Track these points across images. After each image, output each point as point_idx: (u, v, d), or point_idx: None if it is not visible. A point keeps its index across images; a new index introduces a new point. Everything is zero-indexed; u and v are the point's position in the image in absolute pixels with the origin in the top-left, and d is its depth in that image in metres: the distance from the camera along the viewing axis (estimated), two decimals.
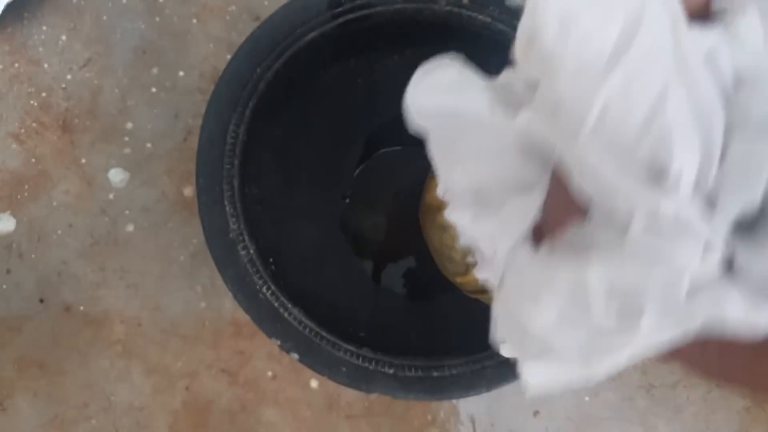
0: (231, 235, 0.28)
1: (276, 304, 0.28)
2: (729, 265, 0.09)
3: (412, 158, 0.41)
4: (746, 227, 0.09)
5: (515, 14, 0.30)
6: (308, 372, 0.39)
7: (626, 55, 0.09)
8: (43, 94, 0.40)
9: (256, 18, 0.41)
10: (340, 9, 0.29)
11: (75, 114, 0.40)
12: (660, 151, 0.09)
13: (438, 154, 0.14)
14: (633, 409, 0.40)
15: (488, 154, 0.13)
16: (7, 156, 0.39)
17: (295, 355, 0.27)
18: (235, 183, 0.29)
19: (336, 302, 0.34)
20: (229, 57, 0.41)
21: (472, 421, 0.39)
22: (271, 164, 0.34)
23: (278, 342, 0.27)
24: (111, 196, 0.40)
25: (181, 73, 0.40)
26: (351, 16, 0.29)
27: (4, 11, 0.38)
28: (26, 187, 0.39)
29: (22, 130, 0.40)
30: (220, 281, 0.39)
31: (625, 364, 0.11)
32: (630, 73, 0.09)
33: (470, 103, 0.13)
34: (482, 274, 0.21)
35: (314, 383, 0.39)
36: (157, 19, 0.41)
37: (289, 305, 0.28)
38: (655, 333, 0.10)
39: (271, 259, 0.30)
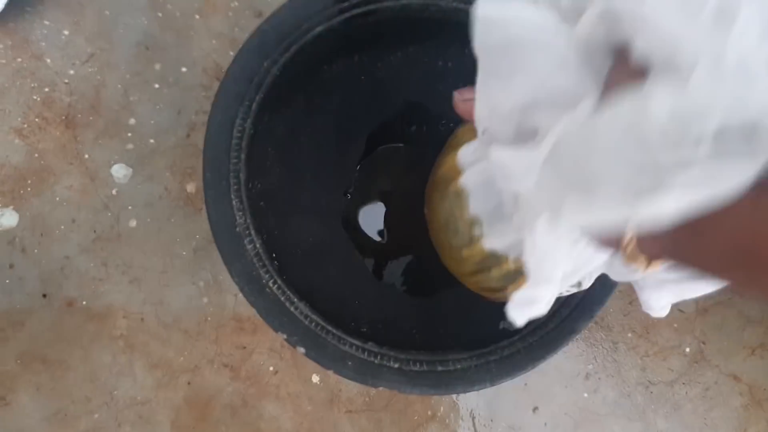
0: (237, 229, 0.28)
1: (282, 298, 0.28)
2: None
3: (414, 155, 0.41)
4: None
5: None
6: (310, 367, 0.39)
7: None
8: (46, 89, 0.40)
9: (259, 14, 0.41)
10: (346, 3, 0.29)
11: (78, 109, 0.40)
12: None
13: (490, 74, 0.14)
14: (632, 406, 0.40)
15: (546, 65, 0.13)
16: (10, 151, 0.39)
17: (302, 349, 0.27)
18: (242, 177, 0.29)
19: (338, 297, 0.34)
20: (231, 53, 0.41)
21: (472, 417, 0.40)
22: (274, 159, 0.34)
23: (284, 336, 0.27)
24: (114, 191, 0.40)
25: (184, 69, 0.40)
26: (357, 11, 0.29)
27: (6, 6, 0.38)
28: (29, 182, 0.39)
29: (25, 125, 0.40)
30: (222, 276, 0.40)
31: (662, 216, 0.11)
32: None
33: (535, 15, 0.13)
34: (490, 244, 0.21)
35: (315, 378, 0.39)
36: (160, 14, 0.40)
37: (295, 299, 0.28)
38: (700, 182, 0.10)
39: (273, 254, 0.30)
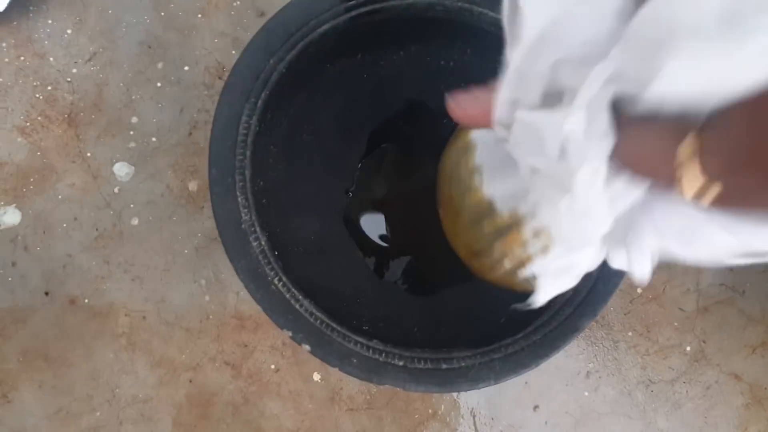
0: (243, 226, 0.28)
1: (287, 296, 0.28)
2: None
3: (415, 153, 0.41)
4: None
5: None
6: (311, 365, 0.39)
7: None
8: (49, 88, 0.40)
9: (261, 13, 0.41)
10: (353, 2, 0.29)
11: (80, 108, 0.40)
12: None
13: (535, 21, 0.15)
14: (632, 404, 0.40)
15: (585, 17, 0.14)
16: (12, 149, 0.40)
17: (307, 347, 0.27)
18: (247, 174, 0.29)
19: (339, 296, 0.35)
20: (234, 52, 0.41)
21: (473, 415, 0.40)
22: (276, 157, 0.34)
23: (290, 333, 0.27)
24: (116, 189, 0.40)
25: (186, 68, 0.41)
26: (363, 9, 0.29)
27: (9, 4, 0.38)
28: (32, 180, 0.40)
29: (28, 124, 0.40)
30: (224, 274, 0.40)
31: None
32: None
33: None
34: (489, 190, 0.21)
35: (317, 376, 0.39)
36: (163, 13, 0.41)
37: (300, 296, 0.28)
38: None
39: (276, 252, 0.30)
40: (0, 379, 0.39)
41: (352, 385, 0.39)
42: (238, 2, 0.41)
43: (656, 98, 0.13)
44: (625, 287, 0.40)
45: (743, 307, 0.41)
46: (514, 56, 0.15)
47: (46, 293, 0.39)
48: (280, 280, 0.28)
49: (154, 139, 0.40)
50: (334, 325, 0.28)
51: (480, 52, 0.34)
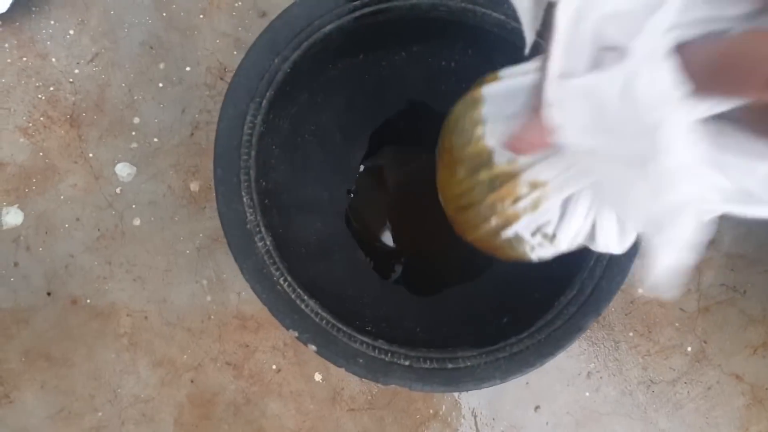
0: (248, 227, 0.28)
1: (293, 296, 0.28)
2: None
3: (416, 154, 0.41)
4: None
5: None
6: (312, 365, 0.39)
7: None
8: (51, 88, 0.40)
9: (263, 14, 0.41)
10: (357, 2, 0.29)
11: (82, 108, 0.40)
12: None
13: None
14: (633, 405, 0.40)
15: None
16: (15, 150, 0.40)
17: (313, 347, 0.27)
18: (252, 174, 0.29)
19: (341, 296, 0.35)
20: (235, 52, 0.41)
21: (474, 415, 0.40)
22: (278, 157, 0.34)
23: (296, 334, 0.27)
24: (118, 190, 0.40)
25: (188, 68, 0.41)
26: (368, 9, 0.30)
27: (12, 5, 0.38)
28: (34, 180, 0.40)
29: (30, 124, 0.40)
30: (225, 275, 0.40)
31: None
32: None
33: None
34: (492, 140, 0.21)
35: (318, 376, 0.39)
36: (164, 14, 0.41)
37: (305, 297, 0.28)
38: None
39: (280, 253, 0.30)
40: (2, 379, 0.39)
41: (353, 386, 0.39)
42: (240, 3, 0.41)
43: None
44: (625, 288, 0.40)
45: (744, 307, 0.41)
46: (559, 20, 0.15)
47: (48, 293, 0.39)
48: (285, 280, 0.28)
49: (155, 139, 0.40)
50: (340, 326, 0.28)
51: (481, 52, 0.34)
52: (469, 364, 0.28)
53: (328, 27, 0.30)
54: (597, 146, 0.16)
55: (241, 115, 0.29)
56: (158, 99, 0.40)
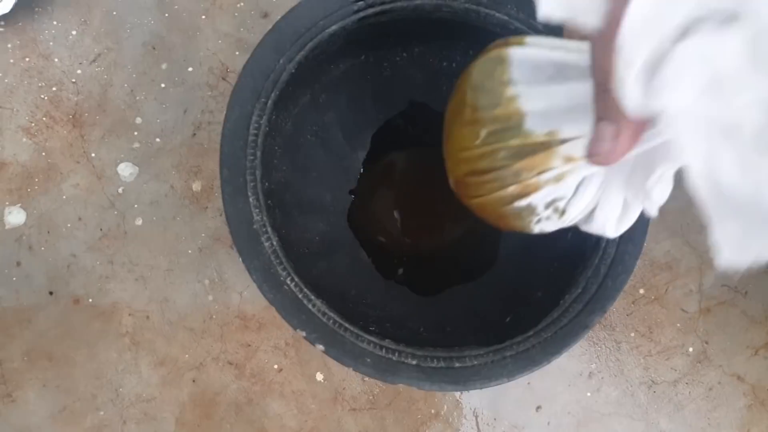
0: (255, 227, 0.28)
1: (300, 296, 0.28)
2: None
3: (417, 154, 0.41)
4: None
5: (531, 13, 0.30)
6: (314, 365, 0.39)
7: None
8: (54, 89, 0.40)
9: (265, 15, 0.41)
10: (362, 2, 0.30)
11: (85, 108, 0.40)
12: None
13: None
14: (635, 405, 0.40)
15: None
16: (17, 149, 0.40)
17: (321, 347, 0.27)
18: (258, 174, 0.29)
19: (345, 296, 0.35)
20: (237, 53, 0.41)
21: (475, 415, 0.40)
22: (281, 158, 0.34)
23: (304, 333, 0.28)
24: (120, 189, 0.40)
25: (190, 69, 0.41)
26: (372, 10, 0.30)
27: (15, 6, 0.39)
28: (36, 180, 0.40)
29: (33, 124, 0.40)
30: (227, 274, 0.40)
31: None
32: None
33: None
34: (528, 104, 0.20)
35: (320, 376, 0.39)
36: (167, 15, 0.41)
37: (312, 296, 0.28)
38: None
39: (284, 253, 0.30)
40: (5, 378, 0.39)
41: (354, 386, 0.39)
42: (242, 4, 0.41)
43: None
44: (628, 288, 0.40)
45: (745, 308, 0.41)
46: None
47: (51, 293, 0.39)
48: (292, 280, 0.28)
49: (158, 139, 0.40)
50: (347, 325, 0.28)
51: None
52: (476, 362, 0.28)
53: (333, 27, 0.30)
54: (706, 114, 0.15)
55: (247, 116, 0.29)
56: (160, 99, 0.41)
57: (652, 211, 0.22)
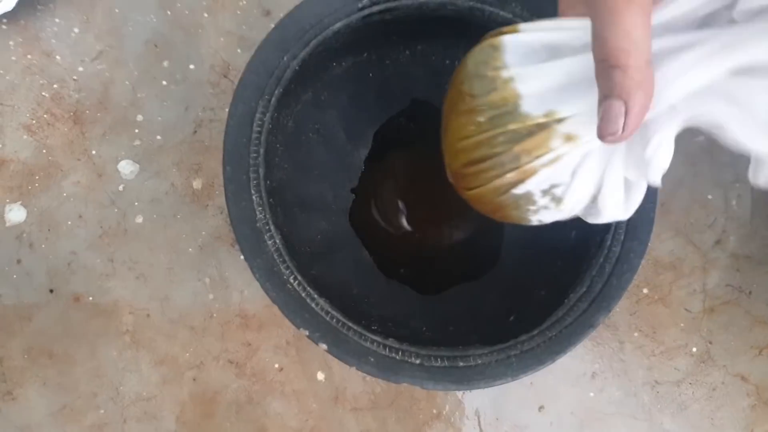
0: (258, 225, 0.28)
1: (303, 294, 0.28)
2: None
3: (419, 152, 0.41)
4: None
5: (536, 11, 0.30)
6: (315, 364, 0.39)
7: None
8: (55, 86, 0.40)
9: (267, 13, 0.41)
10: (366, 0, 0.30)
11: (86, 106, 0.40)
12: None
13: None
14: (638, 405, 0.40)
15: None
16: (18, 147, 0.40)
17: (324, 345, 0.27)
18: (261, 172, 0.29)
19: (347, 295, 0.34)
20: (239, 51, 0.41)
21: (477, 415, 0.40)
22: (283, 156, 0.34)
23: (307, 332, 0.27)
24: (121, 187, 0.40)
25: (192, 67, 0.41)
26: (376, 8, 0.30)
27: (18, 4, 0.39)
28: (37, 177, 0.40)
29: (34, 121, 0.40)
30: (228, 273, 0.40)
31: None
32: None
33: None
34: (526, 87, 0.20)
35: (321, 376, 0.39)
36: (169, 12, 0.41)
37: (315, 295, 0.28)
38: None
39: (287, 251, 0.30)
40: (5, 376, 0.39)
41: (356, 385, 0.39)
42: (244, 1, 0.41)
43: None
44: (631, 288, 0.40)
45: (750, 308, 0.41)
46: None
47: (51, 291, 0.39)
48: (295, 278, 0.28)
49: (159, 137, 0.40)
50: (350, 324, 0.28)
51: None
52: (480, 362, 0.28)
53: (337, 25, 0.30)
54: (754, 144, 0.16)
55: (251, 113, 0.29)
56: (162, 97, 0.40)
57: (656, 180, 0.21)
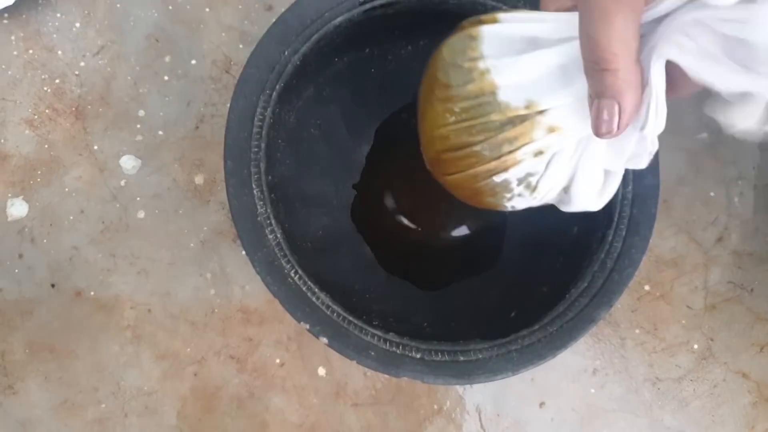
0: (259, 219, 0.28)
1: (304, 288, 0.28)
2: None
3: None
4: None
5: (538, 6, 0.30)
6: (316, 360, 0.39)
7: None
8: (57, 81, 0.40)
9: (269, 7, 0.41)
10: None
11: (88, 101, 0.40)
12: None
13: None
14: (639, 402, 0.40)
15: None
16: (20, 141, 0.40)
17: (324, 339, 0.27)
18: (262, 166, 0.29)
19: (348, 291, 0.34)
20: (241, 46, 0.41)
21: (478, 411, 0.40)
22: (284, 151, 0.34)
23: (307, 326, 0.27)
24: (122, 182, 0.40)
25: (194, 62, 0.41)
26: (378, 2, 0.30)
27: None
28: (39, 172, 0.40)
29: (36, 116, 0.40)
30: (229, 268, 0.40)
31: None
32: None
33: None
34: (503, 79, 0.20)
35: (322, 371, 0.39)
36: (170, 7, 0.41)
37: (316, 289, 0.28)
38: None
39: (288, 245, 0.30)
40: (6, 370, 0.39)
41: (356, 381, 0.39)
42: None
43: None
44: (633, 285, 0.40)
45: (751, 305, 0.41)
46: None
47: (53, 285, 0.39)
48: (296, 273, 0.28)
49: (160, 132, 0.40)
50: (351, 318, 0.28)
51: None
52: (480, 356, 0.28)
53: (338, 19, 0.30)
54: (716, 79, 0.16)
55: (252, 107, 0.29)
56: (163, 92, 0.40)
57: (646, 161, 0.21)
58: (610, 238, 0.29)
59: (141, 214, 0.40)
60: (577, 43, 0.19)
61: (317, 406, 0.39)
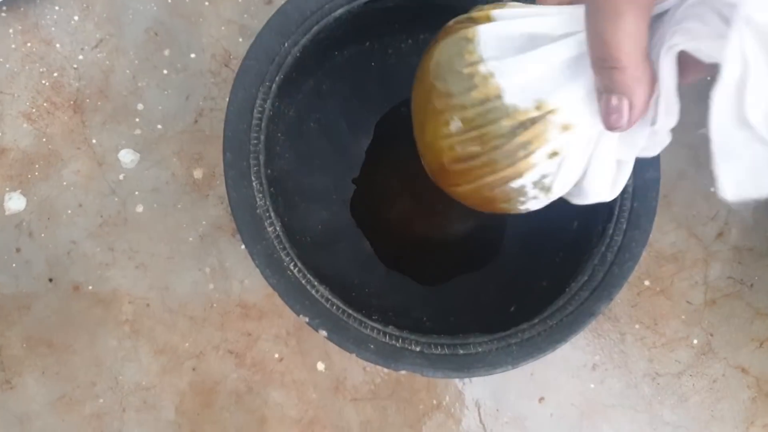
0: (258, 211, 0.28)
1: (303, 281, 0.28)
2: None
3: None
4: None
5: None
6: (315, 354, 0.39)
7: None
8: (55, 74, 0.40)
9: (269, 1, 0.41)
10: None
11: (86, 94, 0.40)
12: None
13: None
14: (638, 397, 0.40)
15: None
16: (18, 135, 0.39)
17: (324, 332, 0.27)
18: (261, 159, 0.29)
19: (347, 285, 0.34)
20: (241, 39, 0.41)
21: (478, 406, 0.40)
22: (284, 145, 0.34)
23: (307, 319, 0.27)
24: (121, 176, 0.40)
25: (193, 55, 0.40)
26: None
27: None
28: (37, 166, 0.39)
29: (34, 110, 0.40)
30: (228, 263, 0.40)
31: None
32: None
33: None
34: (506, 81, 0.19)
35: (321, 366, 0.39)
36: (170, 0, 0.41)
37: (316, 282, 0.28)
38: None
39: (288, 238, 0.30)
40: (4, 364, 0.39)
41: (356, 375, 0.39)
42: None
43: None
44: (633, 280, 0.40)
45: (751, 300, 0.41)
46: None
47: (51, 279, 0.39)
48: (295, 266, 0.28)
49: (159, 126, 0.40)
50: (351, 311, 0.28)
51: None
52: (480, 350, 0.27)
53: (338, 11, 0.29)
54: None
55: (251, 99, 0.29)
56: (162, 86, 0.40)
57: (666, 138, 0.21)
58: (610, 231, 0.29)
59: (139, 208, 0.40)
60: (581, 37, 0.18)
61: (316, 400, 0.39)
